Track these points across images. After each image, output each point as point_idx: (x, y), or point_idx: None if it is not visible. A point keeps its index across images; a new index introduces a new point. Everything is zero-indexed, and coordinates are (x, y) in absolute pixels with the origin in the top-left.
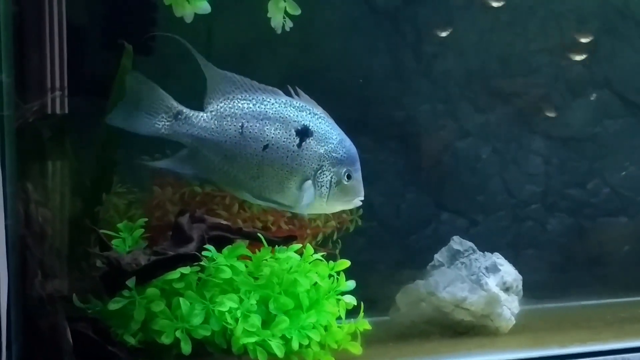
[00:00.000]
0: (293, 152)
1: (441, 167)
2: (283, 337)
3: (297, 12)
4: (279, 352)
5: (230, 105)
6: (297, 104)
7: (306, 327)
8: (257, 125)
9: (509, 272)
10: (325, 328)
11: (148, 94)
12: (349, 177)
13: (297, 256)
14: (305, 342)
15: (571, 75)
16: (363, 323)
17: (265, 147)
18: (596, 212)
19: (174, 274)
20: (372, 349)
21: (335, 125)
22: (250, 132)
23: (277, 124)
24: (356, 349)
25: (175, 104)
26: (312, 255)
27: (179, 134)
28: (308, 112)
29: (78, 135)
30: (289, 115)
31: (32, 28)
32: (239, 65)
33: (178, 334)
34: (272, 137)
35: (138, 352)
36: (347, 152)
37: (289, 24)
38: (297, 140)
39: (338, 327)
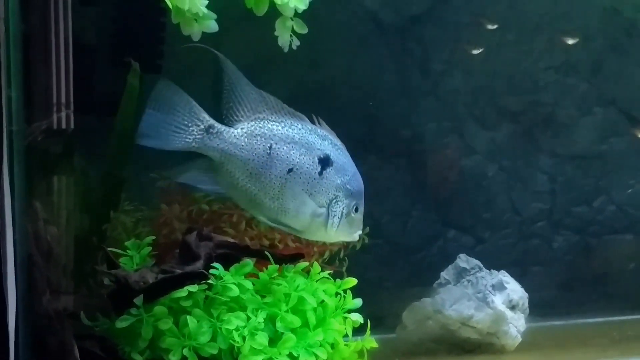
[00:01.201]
0: (314, 179)
1: (448, 184)
2: (290, 355)
3: (304, 30)
4: None
5: (260, 125)
6: (321, 133)
7: (313, 345)
8: (285, 148)
9: (515, 290)
10: (332, 346)
11: (180, 105)
12: (356, 210)
13: (304, 274)
14: None
15: (578, 93)
16: (370, 341)
17: (290, 170)
18: (602, 229)
19: (182, 292)
20: None
21: (350, 158)
22: (277, 153)
23: (303, 149)
24: None
25: (207, 117)
26: (319, 273)
27: (209, 148)
28: (329, 142)
29: (86, 152)
30: (314, 143)
31: (40, 45)
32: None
33: (185, 352)
34: (297, 162)
35: None
36: (359, 186)
37: (296, 43)
38: (319, 168)
39: (345, 345)
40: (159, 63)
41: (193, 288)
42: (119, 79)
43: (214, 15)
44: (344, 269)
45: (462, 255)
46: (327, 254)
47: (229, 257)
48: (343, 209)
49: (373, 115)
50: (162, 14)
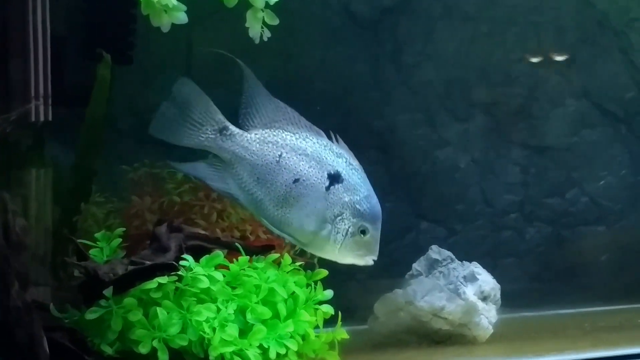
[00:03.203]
0: (320, 192)
1: (420, 176)
2: (260, 347)
3: (275, 22)
4: None
5: (274, 133)
6: (336, 150)
7: (284, 336)
8: (294, 158)
9: (486, 281)
10: (303, 337)
11: (197, 104)
12: (364, 232)
13: (275, 266)
14: (283, 351)
15: (550, 85)
16: (341, 332)
17: (296, 180)
18: (574, 221)
19: (152, 284)
20: (350, 358)
21: (367, 181)
22: (286, 162)
23: (313, 162)
24: (334, 358)
25: (222, 118)
26: (290, 264)
27: (220, 148)
28: (344, 160)
29: (56, 143)
30: (326, 158)
31: (16, 36)
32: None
33: (155, 343)
34: (305, 173)
35: None
36: (371, 209)
37: (267, 34)
38: (327, 183)
39: (316, 336)
40: (130, 54)
41: (163, 280)
42: (90, 71)
43: (184, 7)
44: (315, 261)
45: (434, 247)
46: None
47: (200, 248)
48: (349, 227)
49: (346, 106)
50: (133, 6)
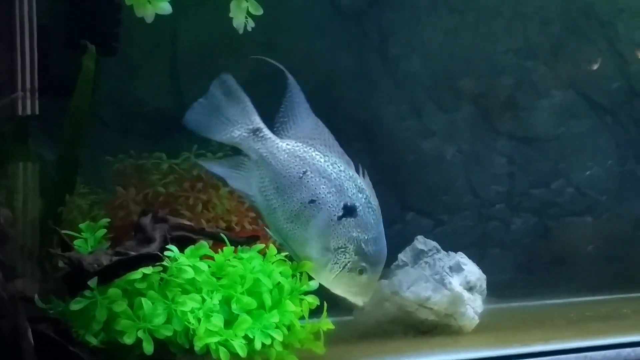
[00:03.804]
0: (330, 220)
1: (406, 167)
2: (246, 337)
3: (259, 12)
4: (242, 352)
5: (305, 150)
6: (359, 184)
7: (269, 326)
8: (317, 179)
9: (472, 272)
10: (288, 328)
11: (235, 101)
12: (362, 272)
13: (260, 256)
14: (268, 341)
15: (536, 76)
16: (326, 323)
17: (312, 201)
18: (560, 212)
19: (136, 274)
20: (336, 349)
21: (381, 224)
22: (308, 181)
23: (333, 189)
24: (319, 348)
25: (258, 119)
26: (275, 255)
27: (250, 148)
28: (364, 196)
29: (41, 134)
30: (347, 189)
31: (2, 29)
32: (204, 65)
33: (140, 334)
34: (322, 197)
35: (100, 352)
36: (375, 252)
37: (251, 24)
38: (341, 213)
39: (301, 326)
40: (115, 45)
41: (148, 270)
42: (75, 62)
43: None
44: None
45: (420, 237)
46: None
47: (185, 239)
48: (348, 262)
49: (331, 98)
50: None
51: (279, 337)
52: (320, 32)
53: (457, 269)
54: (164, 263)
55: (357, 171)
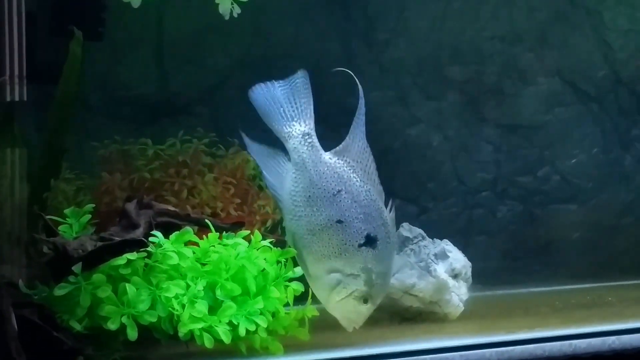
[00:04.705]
0: (351, 245)
1: (392, 154)
2: (230, 323)
3: None
4: (226, 338)
5: (347, 170)
6: (385, 218)
7: (253, 313)
8: (349, 202)
9: (457, 259)
10: (273, 314)
11: (301, 100)
12: (365, 302)
13: (245, 242)
14: (253, 328)
15: (522, 63)
16: (311, 309)
17: (340, 221)
18: (546, 199)
19: (121, 260)
20: (320, 336)
21: (393, 260)
22: (340, 200)
23: (361, 216)
24: (304, 335)
25: (312, 125)
26: (260, 241)
27: (294, 149)
28: (386, 231)
29: (26, 120)
30: (374, 220)
31: None
32: (189, 50)
33: (124, 319)
34: (349, 221)
35: (84, 338)
36: (381, 287)
37: (237, 10)
38: (362, 241)
39: (286, 313)
40: (101, 31)
41: (132, 256)
42: (62, 47)
43: None
44: (286, 238)
45: (405, 224)
46: (269, 223)
47: (170, 225)
48: (354, 290)
49: (317, 84)
50: None
51: (263, 323)
52: (306, 17)
53: (442, 256)
54: (149, 249)
55: (386, 204)
